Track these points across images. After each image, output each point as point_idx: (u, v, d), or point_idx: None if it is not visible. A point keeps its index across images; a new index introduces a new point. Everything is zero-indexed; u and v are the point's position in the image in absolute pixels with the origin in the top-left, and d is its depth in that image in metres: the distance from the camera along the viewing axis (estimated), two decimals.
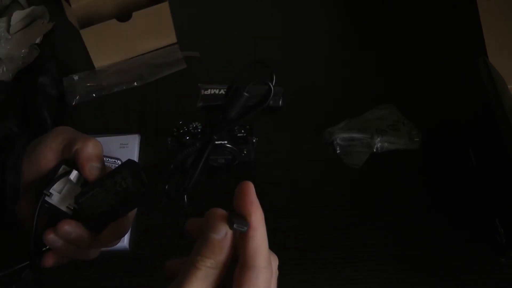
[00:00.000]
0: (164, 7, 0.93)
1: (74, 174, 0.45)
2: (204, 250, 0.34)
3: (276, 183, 0.78)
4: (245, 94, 0.46)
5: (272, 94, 0.44)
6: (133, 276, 0.69)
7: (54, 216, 0.45)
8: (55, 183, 0.45)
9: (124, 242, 0.71)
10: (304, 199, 0.76)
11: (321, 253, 0.70)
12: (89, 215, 0.44)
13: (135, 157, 0.80)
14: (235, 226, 0.33)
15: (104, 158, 0.75)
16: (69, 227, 0.44)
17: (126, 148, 0.81)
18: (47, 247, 0.45)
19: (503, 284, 0.67)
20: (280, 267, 0.71)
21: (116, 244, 0.47)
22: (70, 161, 0.46)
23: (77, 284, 0.69)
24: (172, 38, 0.98)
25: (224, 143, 0.73)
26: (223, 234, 0.34)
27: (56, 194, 0.45)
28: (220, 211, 0.36)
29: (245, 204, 0.35)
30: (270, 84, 0.44)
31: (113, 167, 0.74)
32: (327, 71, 0.93)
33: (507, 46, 0.82)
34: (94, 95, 0.91)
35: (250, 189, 0.36)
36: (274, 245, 0.74)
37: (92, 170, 0.46)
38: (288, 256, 0.70)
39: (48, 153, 0.47)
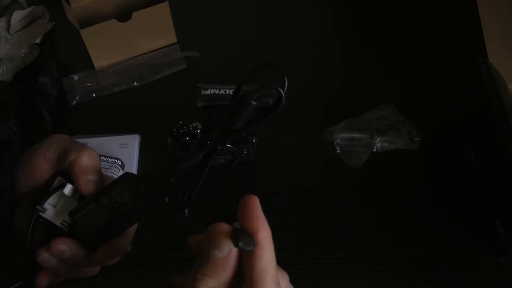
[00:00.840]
0: (164, 7, 0.93)
1: (68, 188, 0.42)
2: (206, 269, 0.31)
3: (276, 183, 0.78)
4: (253, 103, 0.41)
5: (283, 102, 0.39)
6: (133, 276, 0.69)
7: (49, 231, 0.42)
8: (49, 197, 0.42)
9: None
10: (304, 199, 0.76)
11: (321, 253, 0.70)
12: (84, 232, 0.41)
13: (135, 157, 0.80)
14: (240, 244, 0.31)
15: (104, 158, 0.76)
16: (64, 246, 0.41)
17: (126, 148, 0.81)
18: None
19: (503, 284, 0.67)
20: (280, 267, 0.71)
21: (114, 263, 0.44)
22: (66, 172, 0.43)
23: (76, 285, 0.69)
24: (172, 38, 0.98)
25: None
26: (226, 252, 0.32)
27: (51, 208, 0.42)
28: (224, 227, 0.33)
29: (251, 220, 0.32)
30: (281, 91, 0.39)
31: (113, 167, 0.75)
32: (327, 71, 0.93)
33: (507, 46, 0.82)
34: (94, 95, 0.91)
35: (256, 203, 0.33)
36: (274, 245, 0.74)
37: (87, 184, 0.42)
38: (288, 257, 0.70)
39: (42, 163, 0.43)
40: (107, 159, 0.76)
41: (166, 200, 0.41)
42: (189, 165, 0.41)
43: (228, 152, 0.75)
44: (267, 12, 1.05)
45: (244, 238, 0.31)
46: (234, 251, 0.32)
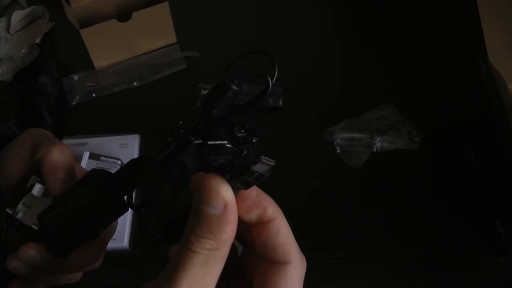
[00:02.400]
0: (164, 7, 0.93)
1: (37, 189, 0.38)
2: (200, 230, 0.26)
3: (276, 183, 0.78)
4: (233, 87, 0.35)
5: (269, 89, 0.33)
6: (134, 276, 0.69)
7: (26, 235, 0.38)
8: (22, 200, 0.38)
9: (124, 242, 0.71)
10: (304, 199, 0.76)
11: (321, 253, 0.70)
12: (52, 237, 0.37)
13: (135, 157, 0.80)
14: (239, 184, 0.27)
15: (104, 158, 0.76)
16: (32, 251, 0.36)
17: (126, 148, 0.81)
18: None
19: (503, 284, 0.67)
20: None
21: (93, 268, 0.40)
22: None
23: (75, 285, 0.69)
24: (172, 38, 0.98)
25: (224, 143, 0.73)
26: (221, 208, 0.27)
27: (25, 210, 0.38)
28: (214, 178, 0.28)
29: (258, 201, 0.29)
30: (269, 78, 0.32)
31: (113, 167, 0.75)
32: (327, 71, 0.93)
33: (507, 46, 0.82)
34: (94, 95, 0.91)
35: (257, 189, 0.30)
36: None
37: (55, 183, 0.37)
38: None
39: (14, 160, 0.39)
40: (107, 159, 0.76)
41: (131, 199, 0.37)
42: (160, 158, 0.36)
43: (228, 152, 0.74)
44: (267, 12, 1.05)
45: (243, 180, 0.27)
46: (231, 204, 0.27)
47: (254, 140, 0.81)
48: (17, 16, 0.99)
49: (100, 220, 0.37)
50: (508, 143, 0.64)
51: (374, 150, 0.80)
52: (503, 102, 0.68)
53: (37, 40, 0.97)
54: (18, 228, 0.38)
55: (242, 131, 0.79)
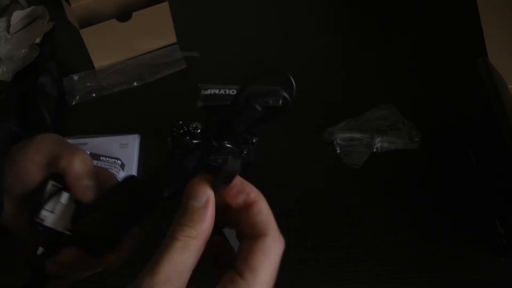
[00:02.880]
0: (164, 7, 0.93)
1: (65, 197, 0.40)
2: (184, 219, 0.31)
3: (276, 183, 0.78)
4: (258, 108, 0.39)
5: (288, 106, 0.38)
6: (134, 275, 0.69)
7: (52, 237, 0.40)
8: (45, 206, 0.40)
9: None
10: (304, 199, 0.76)
11: (321, 253, 0.70)
12: (88, 239, 0.40)
13: (135, 157, 0.80)
14: (218, 184, 0.33)
15: (104, 158, 0.76)
16: (72, 256, 0.40)
17: (126, 148, 0.81)
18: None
19: (503, 284, 0.67)
20: (280, 267, 0.71)
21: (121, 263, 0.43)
22: (58, 174, 0.41)
23: (77, 285, 0.69)
24: (172, 38, 0.98)
25: (224, 143, 0.73)
26: (203, 201, 0.32)
27: (49, 215, 0.40)
28: (201, 178, 0.34)
29: (242, 188, 0.35)
30: (287, 96, 0.38)
31: (113, 167, 0.75)
32: (327, 71, 0.93)
33: (507, 46, 0.82)
34: (94, 95, 0.91)
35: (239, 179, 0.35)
36: None
37: (83, 190, 0.40)
38: (288, 256, 0.70)
39: (31, 167, 0.41)
40: (107, 159, 0.76)
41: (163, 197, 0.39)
42: (188, 164, 0.40)
43: (228, 152, 0.74)
44: (267, 12, 1.05)
45: (220, 180, 0.33)
46: (211, 201, 0.32)
47: (254, 140, 0.82)
48: (17, 16, 0.99)
49: (134, 222, 0.40)
50: (508, 143, 0.64)
51: (374, 150, 0.80)
52: (503, 102, 0.68)
53: (37, 40, 0.97)
54: (43, 232, 0.40)
55: None
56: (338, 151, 0.80)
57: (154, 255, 0.31)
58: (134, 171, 0.78)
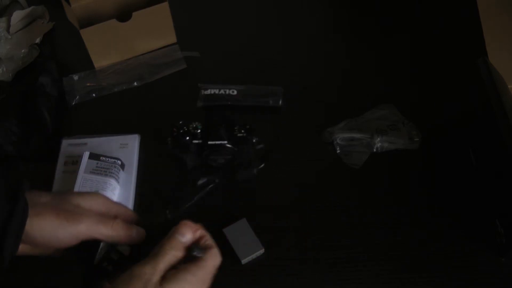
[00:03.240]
0: (164, 7, 0.93)
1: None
2: (171, 246, 0.49)
3: (276, 183, 0.78)
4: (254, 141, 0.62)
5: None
6: None
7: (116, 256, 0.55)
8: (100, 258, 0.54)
9: None
10: (304, 199, 0.76)
11: (321, 253, 0.70)
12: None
13: (135, 157, 0.80)
14: (195, 253, 0.51)
15: (104, 158, 0.76)
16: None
17: (126, 148, 0.81)
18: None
19: (503, 284, 0.67)
20: (280, 267, 0.71)
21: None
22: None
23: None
24: (172, 38, 0.98)
25: (224, 143, 0.73)
26: (186, 239, 0.50)
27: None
28: (189, 223, 0.52)
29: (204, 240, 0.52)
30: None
31: (112, 167, 0.75)
32: (327, 71, 0.93)
33: (507, 46, 0.82)
34: (94, 95, 0.91)
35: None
36: (274, 245, 0.74)
37: (126, 242, 0.55)
38: (288, 256, 0.70)
39: (72, 241, 0.51)
40: (107, 159, 0.76)
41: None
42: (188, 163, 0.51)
43: (228, 152, 0.75)
44: (267, 12, 1.05)
45: (198, 250, 0.51)
46: (188, 241, 0.50)
47: (254, 140, 0.82)
48: (17, 16, 0.99)
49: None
50: (508, 143, 0.64)
51: (374, 150, 0.80)
52: (503, 102, 0.68)
53: (37, 40, 0.97)
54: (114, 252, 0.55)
55: (242, 131, 0.81)
56: (338, 151, 0.80)
57: (151, 253, 0.49)
58: (134, 171, 0.78)
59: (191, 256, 0.50)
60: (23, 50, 0.95)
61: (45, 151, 0.81)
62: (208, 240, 0.52)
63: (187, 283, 0.47)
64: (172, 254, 0.49)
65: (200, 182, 0.69)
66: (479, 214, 0.72)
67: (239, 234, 0.70)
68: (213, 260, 0.50)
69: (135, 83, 0.92)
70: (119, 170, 0.76)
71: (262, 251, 0.69)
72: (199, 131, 0.74)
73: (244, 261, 0.69)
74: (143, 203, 0.76)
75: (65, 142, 0.81)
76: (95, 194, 0.56)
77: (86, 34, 0.89)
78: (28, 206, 0.48)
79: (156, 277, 0.46)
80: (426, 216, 0.73)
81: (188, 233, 0.50)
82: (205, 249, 0.51)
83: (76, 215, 0.50)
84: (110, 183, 0.74)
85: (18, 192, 0.48)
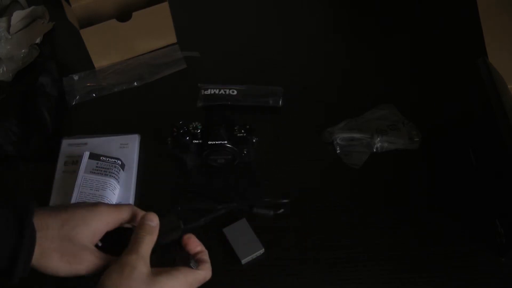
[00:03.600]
0: (164, 7, 0.93)
1: None
2: (145, 231, 0.54)
3: (276, 183, 0.78)
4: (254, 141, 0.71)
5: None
6: None
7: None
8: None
9: None
10: (304, 199, 0.76)
11: (321, 253, 0.70)
12: None
13: (135, 157, 0.80)
14: (191, 264, 0.55)
15: (104, 158, 0.76)
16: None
17: (126, 148, 0.81)
18: None
19: (503, 284, 0.67)
20: (280, 267, 0.71)
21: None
22: None
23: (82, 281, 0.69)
24: (172, 38, 0.98)
25: (224, 143, 0.73)
26: (155, 224, 0.55)
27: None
28: (152, 214, 0.56)
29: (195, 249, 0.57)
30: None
31: (113, 167, 0.75)
32: (327, 71, 0.93)
33: (507, 46, 0.82)
34: (94, 95, 0.91)
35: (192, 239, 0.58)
36: (274, 245, 0.74)
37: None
38: (288, 256, 0.70)
39: (67, 275, 0.52)
40: (107, 159, 0.76)
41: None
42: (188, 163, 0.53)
43: (228, 152, 0.74)
44: (267, 12, 1.05)
45: (193, 261, 0.56)
46: (156, 224, 0.55)
47: (254, 140, 0.82)
48: (17, 16, 0.99)
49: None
50: (508, 143, 0.64)
51: (374, 150, 0.80)
52: (503, 102, 0.68)
53: (37, 40, 0.97)
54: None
55: (242, 131, 0.81)
56: (338, 151, 0.80)
57: (131, 243, 0.53)
58: (134, 171, 0.78)
59: (188, 266, 0.55)
60: (23, 50, 0.95)
61: (45, 151, 0.81)
62: (205, 256, 0.56)
63: (177, 281, 0.52)
64: (148, 238, 0.53)
65: (219, 208, 0.69)
66: (479, 214, 0.72)
67: (239, 234, 0.70)
68: (205, 272, 0.55)
69: (135, 83, 0.92)
70: (119, 170, 0.76)
71: (262, 251, 0.69)
72: (199, 131, 0.74)
73: (244, 261, 0.69)
74: (143, 203, 0.76)
75: (65, 142, 0.81)
76: (98, 219, 0.54)
77: (86, 34, 0.89)
78: (36, 234, 0.50)
79: (141, 262, 0.51)
80: (426, 216, 0.73)
81: (155, 218, 0.55)
82: (201, 263, 0.55)
83: (78, 258, 0.52)
84: (110, 183, 0.74)
85: (25, 220, 0.49)
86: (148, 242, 0.53)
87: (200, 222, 0.64)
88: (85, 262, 0.52)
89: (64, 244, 0.51)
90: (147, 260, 0.52)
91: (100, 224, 0.54)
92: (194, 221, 0.62)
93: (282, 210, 0.68)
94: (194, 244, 0.57)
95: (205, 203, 0.66)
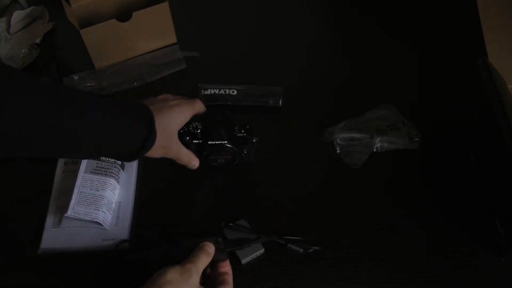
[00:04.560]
0: (164, 7, 0.93)
1: None
2: (203, 254, 0.62)
3: (276, 183, 0.78)
4: (254, 141, 0.75)
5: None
6: (135, 271, 0.69)
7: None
8: None
9: (125, 236, 0.71)
10: (304, 199, 0.76)
11: (321, 253, 0.70)
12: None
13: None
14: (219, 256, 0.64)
15: (104, 158, 0.76)
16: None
17: None
18: None
19: (503, 284, 0.67)
20: (280, 267, 0.71)
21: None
22: None
23: (82, 281, 0.69)
24: (172, 38, 0.98)
25: (224, 143, 0.73)
26: (212, 251, 0.63)
27: None
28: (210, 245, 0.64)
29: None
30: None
31: (113, 167, 0.75)
32: (327, 71, 0.93)
33: (507, 46, 0.82)
34: None
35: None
36: (274, 245, 0.74)
37: None
38: (288, 256, 0.70)
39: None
40: (107, 159, 0.76)
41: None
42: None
43: (228, 152, 0.74)
44: (267, 12, 1.05)
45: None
46: (212, 251, 0.63)
47: (254, 140, 0.82)
48: (17, 16, 0.99)
49: None
50: (508, 143, 0.65)
51: (374, 150, 0.80)
52: (503, 102, 0.68)
53: (37, 40, 0.97)
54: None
55: (242, 131, 0.81)
56: (338, 151, 0.80)
57: (191, 256, 0.62)
58: (134, 171, 0.78)
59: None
60: (23, 50, 0.95)
61: None
62: (230, 278, 0.63)
63: None
64: (205, 258, 0.62)
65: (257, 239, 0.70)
66: (479, 214, 0.72)
67: (239, 234, 0.70)
68: None
69: (135, 83, 0.92)
70: (119, 170, 0.76)
71: (262, 251, 0.69)
72: (199, 131, 0.74)
73: (244, 261, 0.69)
74: (143, 203, 0.76)
75: None
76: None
77: (86, 34, 0.89)
78: (156, 137, 0.64)
79: (197, 274, 0.60)
80: (426, 216, 0.73)
81: (212, 247, 0.63)
82: (224, 284, 0.62)
83: (170, 149, 0.68)
84: (110, 183, 0.74)
85: (151, 124, 0.63)
86: (204, 261, 0.62)
87: (238, 248, 0.68)
88: (174, 150, 0.69)
89: (165, 141, 0.66)
90: (200, 273, 0.61)
91: (184, 119, 0.70)
92: (235, 247, 0.68)
93: (312, 250, 0.70)
94: (226, 264, 0.64)
95: (244, 234, 0.70)
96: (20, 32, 0.99)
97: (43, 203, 0.74)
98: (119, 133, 0.61)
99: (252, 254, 0.69)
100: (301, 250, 0.69)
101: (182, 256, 0.61)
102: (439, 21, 0.99)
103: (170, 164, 0.71)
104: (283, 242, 0.69)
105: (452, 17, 0.98)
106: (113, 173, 0.75)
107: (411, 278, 0.68)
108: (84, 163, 0.75)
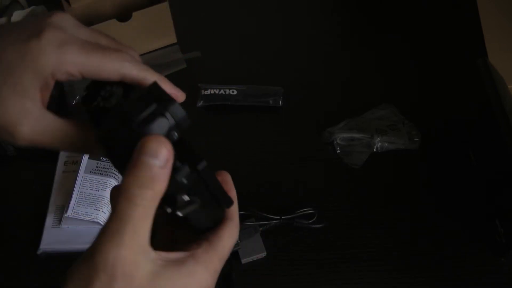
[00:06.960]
0: (164, 7, 0.93)
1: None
2: (143, 180, 0.28)
3: (276, 183, 0.78)
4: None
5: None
6: None
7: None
8: None
9: None
10: (304, 199, 0.76)
11: (321, 253, 0.70)
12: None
13: None
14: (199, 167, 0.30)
15: (105, 158, 0.76)
16: None
17: None
18: None
19: (503, 284, 0.67)
20: (281, 267, 0.71)
21: None
22: None
23: None
24: (172, 38, 0.98)
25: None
26: (164, 161, 0.29)
27: None
28: (161, 137, 0.30)
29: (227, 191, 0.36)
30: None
31: (112, 167, 0.75)
32: (327, 71, 0.93)
33: (507, 46, 0.82)
34: None
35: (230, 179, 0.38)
36: (275, 245, 0.74)
37: None
38: (288, 256, 0.70)
39: None
40: (108, 159, 0.76)
41: None
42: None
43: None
44: (267, 12, 1.05)
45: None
46: (170, 163, 0.29)
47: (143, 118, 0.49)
48: (17, 16, 0.99)
49: None
50: (508, 143, 0.65)
51: (374, 150, 0.80)
52: (503, 102, 0.68)
53: None
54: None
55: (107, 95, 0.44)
56: (338, 151, 0.80)
57: (112, 220, 0.28)
58: None
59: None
60: None
61: (45, 151, 0.81)
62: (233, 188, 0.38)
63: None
64: (147, 204, 0.29)
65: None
66: (479, 214, 0.72)
67: (247, 235, 0.70)
68: (237, 229, 0.37)
69: None
70: None
71: (264, 254, 0.69)
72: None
73: (244, 261, 0.69)
74: None
75: None
76: None
77: None
78: None
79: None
80: (426, 216, 0.73)
81: (163, 149, 0.29)
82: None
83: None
84: (110, 183, 0.74)
85: None
86: (144, 224, 0.29)
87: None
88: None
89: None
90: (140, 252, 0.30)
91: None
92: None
93: (320, 226, 0.71)
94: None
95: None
96: None
97: (43, 203, 0.74)
98: None
99: (253, 255, 0.69)
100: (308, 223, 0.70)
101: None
102: (439, 21, 0.99)
103: None
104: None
105: (452, 17, 0.98)
106: (113, 173, 0.75)
107: (411, 278, 0.68)
108: (84, 163, 0.75)
